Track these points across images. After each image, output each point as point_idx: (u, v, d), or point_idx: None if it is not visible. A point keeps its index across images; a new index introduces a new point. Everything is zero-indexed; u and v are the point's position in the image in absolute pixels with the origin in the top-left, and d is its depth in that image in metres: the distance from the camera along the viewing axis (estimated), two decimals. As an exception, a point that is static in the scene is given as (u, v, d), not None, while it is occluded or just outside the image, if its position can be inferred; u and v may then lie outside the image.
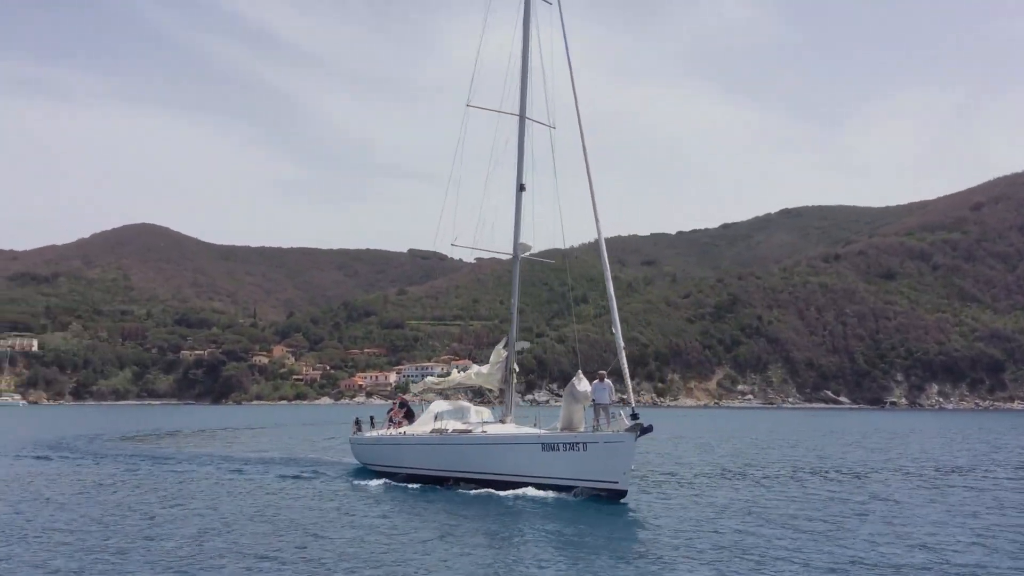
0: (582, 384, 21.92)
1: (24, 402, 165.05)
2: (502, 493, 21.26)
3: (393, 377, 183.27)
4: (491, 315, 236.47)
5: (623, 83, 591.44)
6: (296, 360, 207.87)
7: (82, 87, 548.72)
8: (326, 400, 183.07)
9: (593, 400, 21.71)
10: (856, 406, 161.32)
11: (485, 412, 27.07)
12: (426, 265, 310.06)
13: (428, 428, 25.68)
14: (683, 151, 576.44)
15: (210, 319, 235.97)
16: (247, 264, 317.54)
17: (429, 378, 31.33)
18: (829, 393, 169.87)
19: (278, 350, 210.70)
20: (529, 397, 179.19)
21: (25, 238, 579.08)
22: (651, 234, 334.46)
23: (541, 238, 26.76)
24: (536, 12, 26.04)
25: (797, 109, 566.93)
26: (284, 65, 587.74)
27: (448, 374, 30.96)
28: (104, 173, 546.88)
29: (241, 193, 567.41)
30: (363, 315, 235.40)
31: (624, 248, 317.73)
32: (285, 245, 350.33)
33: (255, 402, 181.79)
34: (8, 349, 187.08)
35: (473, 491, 21.93)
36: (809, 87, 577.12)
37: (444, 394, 29.26)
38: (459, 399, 29.04)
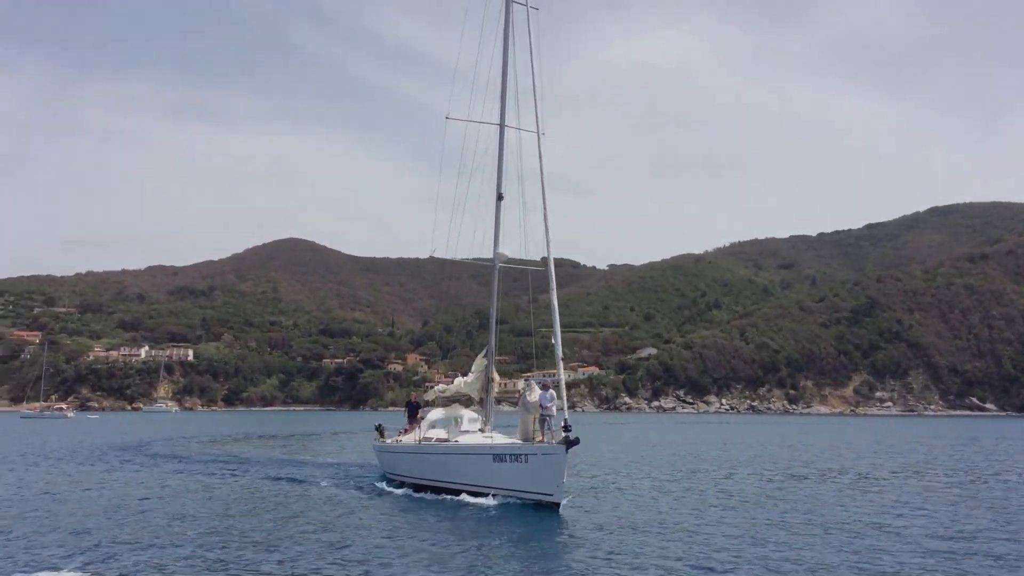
0: (532, 394, 22.55)
1: (177, 408, 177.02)
2: (436, 496, 22.42)
3: (521, 384, 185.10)
4: (621, 322, 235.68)
5: (762, 80, 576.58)
6: (429, 368, 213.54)
7: (238, 109, 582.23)
8: (455, 406, 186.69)
9: (540, 410, 22.27)
10: (1003, 413, 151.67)
11: (480, 421, 27.98)
12: (560, 273, 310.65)
13: (419, 436, 26.85)
14: (826, 149, 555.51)
15: (351, 328, 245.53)
16: (386, 275, 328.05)
17: (440, 386, 32.43)
18: (974, 400, 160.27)
19: (412, 358, 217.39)
20: (656, 404, 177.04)
21: (185, 254, 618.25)
22: (790, 236, 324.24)
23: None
24: (517, 18, 26.84)
25: (948, 104, 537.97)
26: (422, 80, 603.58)
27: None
28: (256, 190, 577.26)
29: (381, 205, 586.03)
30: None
31: (761, 251, 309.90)
32: (422, 256, 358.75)
33: (390, 408, 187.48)
34: (166, 358, 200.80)
35: (418, 494, 23.02)
36: (961, 81, 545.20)
37: (453, 401, 30.33)
38: (462, 406, 29.98)
